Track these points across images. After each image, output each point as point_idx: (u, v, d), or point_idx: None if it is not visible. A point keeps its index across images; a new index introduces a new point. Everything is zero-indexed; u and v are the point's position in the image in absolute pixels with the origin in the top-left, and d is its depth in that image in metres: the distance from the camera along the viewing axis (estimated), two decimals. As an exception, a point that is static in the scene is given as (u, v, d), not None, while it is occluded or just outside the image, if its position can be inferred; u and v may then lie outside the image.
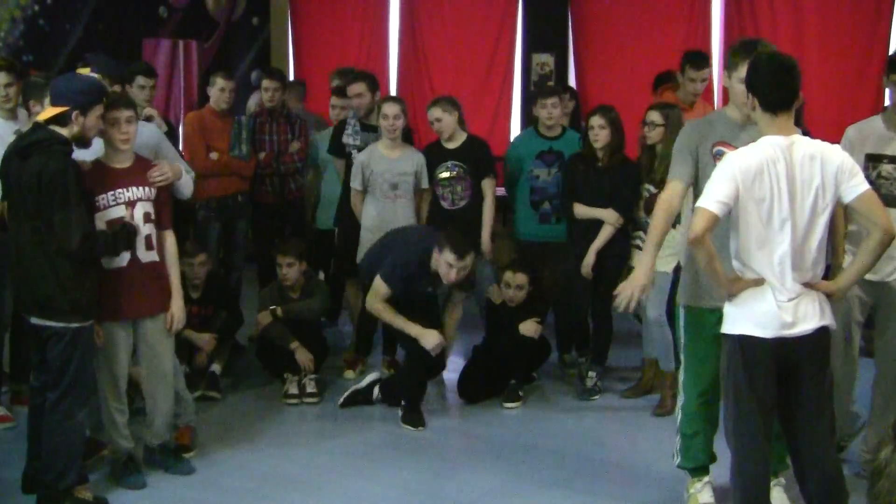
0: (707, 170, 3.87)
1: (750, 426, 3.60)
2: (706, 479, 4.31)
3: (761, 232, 3.52)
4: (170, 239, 4.61)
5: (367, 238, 6.11)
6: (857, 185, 3.53)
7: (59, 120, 4.14)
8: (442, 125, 6.09)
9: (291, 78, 9.92)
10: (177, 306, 4.59)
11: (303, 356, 5.90)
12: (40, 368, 4.27)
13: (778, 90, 3.57)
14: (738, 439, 3.64)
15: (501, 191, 6.43)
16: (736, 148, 3.76)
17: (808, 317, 3.55)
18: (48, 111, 4.19)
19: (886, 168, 4.41)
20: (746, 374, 3.56)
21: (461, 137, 6.18)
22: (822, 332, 3.59)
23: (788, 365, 3.57)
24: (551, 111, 6.10)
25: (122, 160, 4.45)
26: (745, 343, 3.57)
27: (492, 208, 6.15)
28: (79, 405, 4.21)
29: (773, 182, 3.48)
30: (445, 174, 6.12)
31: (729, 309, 3.64)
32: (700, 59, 6.23)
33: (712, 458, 4.31)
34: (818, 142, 3.59)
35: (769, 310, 3.53)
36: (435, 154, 6.18)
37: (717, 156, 3.99)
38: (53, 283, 4.09)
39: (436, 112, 6.10)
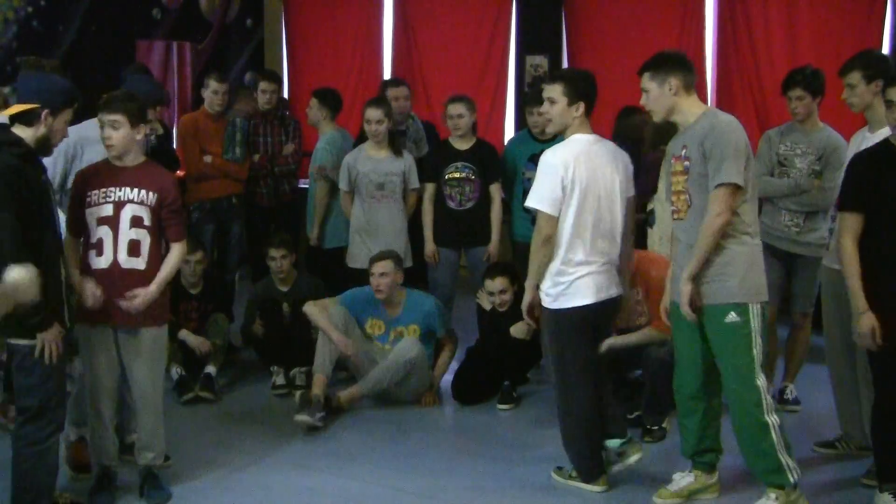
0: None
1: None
2: (692, 471, 4.44)
3: (585, 215, 4.30)
4: (176, 251, 4.31)
5: (357, 240, 6.17)
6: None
7: (25, 118, 3.83)
8: (462, 122, 6.14)
9: (286, 80, 9.95)
10: (145, 291, 4.19)
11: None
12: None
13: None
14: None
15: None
16: (678, 156, 4.20)
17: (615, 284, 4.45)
18: (15, 107, 3.87)
19: None
20: (579, 335, 4.39)
21: (472, 139, 6.21)
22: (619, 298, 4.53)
23: (599, 323, 4.49)
24: (537, 119, 6.14)
25: (126, 159, 4.25)
26: (577, 311, 4.32)
27: (500, 213, 6.18)
28: (49, 431, 3.90)
29: (591, 171, 4.29)
30: (455, 174, 6.15)
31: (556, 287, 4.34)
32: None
33: (700, 450, 4.39)
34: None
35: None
36: (444, 153, 6.21)
37: (668, 170, 4.39)
38: None
39: (460, 108, 6.14)
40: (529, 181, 6.15)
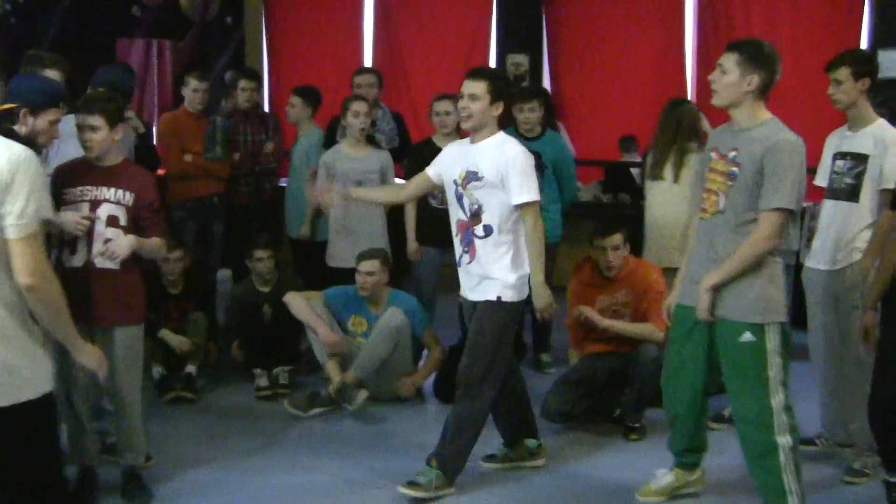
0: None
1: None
2: (673, 469, 4.46)
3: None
4: (156, 240, 4.29)
5: (336, 239, 6.17)
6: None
7: (7, 118, 3.77)
8: (450, 119, 6.14)
9: (266, 78, 9.92)
10: (122, 236, 4.17)
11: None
12: None
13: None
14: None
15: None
16: (723, 155, 3.94)
17: None
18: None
19: (838, 163, 4.66)
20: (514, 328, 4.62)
21: (455, 138, 6.19)
22: None
23: None
24: (528, 115, 6.12)
25: (104, 159, 4.21)
26: (526, 300, 4.48)
27: None
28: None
29: None
30: None
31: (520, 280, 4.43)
32: None
33: (690, 448, 4.40)
34: None
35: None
36: (427, 151, 6.18)
37: (707, 161, 4.12)
38: None
39: (447, 105, 6.13)
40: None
